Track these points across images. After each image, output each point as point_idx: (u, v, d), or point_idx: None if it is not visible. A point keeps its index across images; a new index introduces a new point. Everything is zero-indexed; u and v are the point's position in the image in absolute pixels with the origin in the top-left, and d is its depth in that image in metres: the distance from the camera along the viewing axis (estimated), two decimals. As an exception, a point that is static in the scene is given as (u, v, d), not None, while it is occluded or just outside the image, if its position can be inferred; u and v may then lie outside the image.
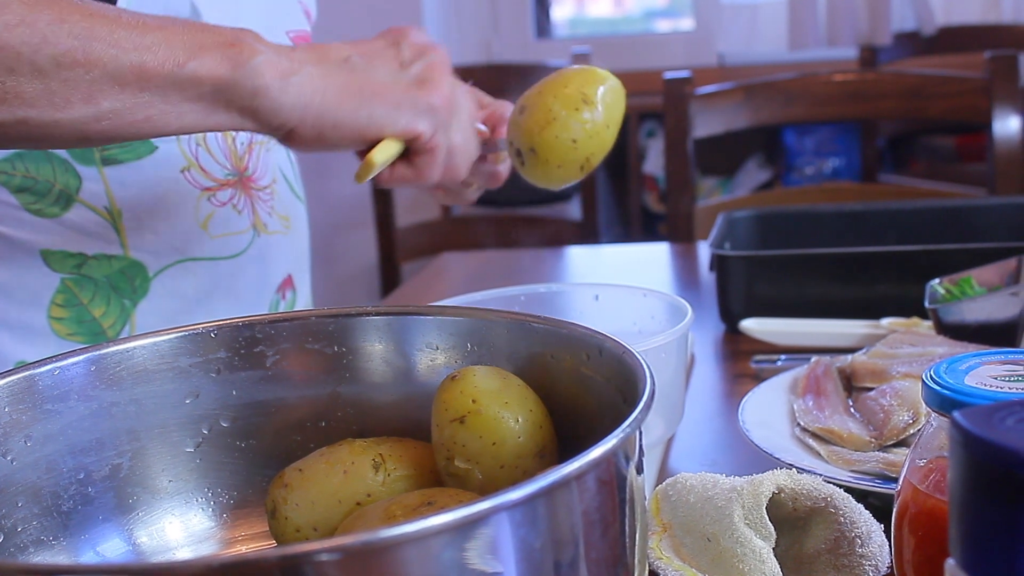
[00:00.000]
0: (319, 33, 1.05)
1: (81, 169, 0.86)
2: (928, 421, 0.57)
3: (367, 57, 0.78)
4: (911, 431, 0.78)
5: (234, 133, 0.95)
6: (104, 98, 0.67)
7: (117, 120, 0.68)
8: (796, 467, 0.64)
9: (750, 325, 1.12)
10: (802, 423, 0.83)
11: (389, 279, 2.59)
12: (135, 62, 0.67)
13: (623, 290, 0.91)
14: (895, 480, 0.67)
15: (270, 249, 1.00)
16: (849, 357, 0.94)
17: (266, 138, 1.00)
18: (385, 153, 0.78)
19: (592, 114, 0.86)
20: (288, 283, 1.04)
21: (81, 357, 0.60)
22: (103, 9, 0.68)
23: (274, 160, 1.02)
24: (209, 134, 0.93)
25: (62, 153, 0.86)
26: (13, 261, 0.87)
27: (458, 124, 0.84)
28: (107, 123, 0.68)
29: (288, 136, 0.75)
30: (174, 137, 0.90)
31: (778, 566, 0.58)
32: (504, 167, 0.98)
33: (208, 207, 0.93)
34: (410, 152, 0.81)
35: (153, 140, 0.88)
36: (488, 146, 0.93)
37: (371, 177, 0.80)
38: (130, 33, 0.67)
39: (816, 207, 1.45)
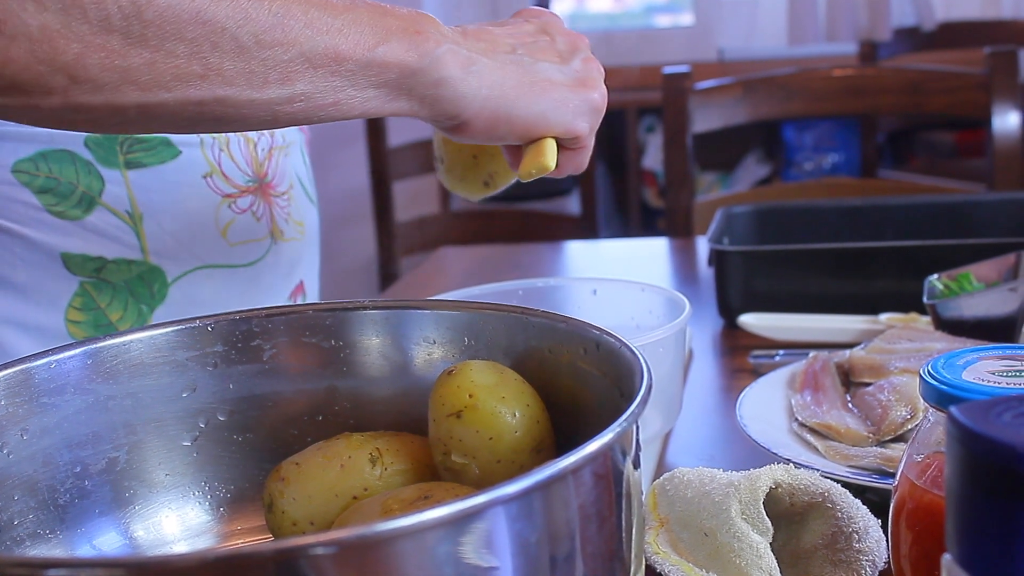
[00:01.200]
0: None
1: (104, 172, 0.86)
2: (926, 416, 0.57)
3: (529, 49, 0.79)
4: (909, 426, 0.78)
5: (256, 139, 0.95)
6: (299, 79, 0.66)
7: (308, 103, 0.67)
8: (794, 462, 0.64)
9: (748, 320, 1.12)
10: (800, 418, 0.83)
11: (388, 273, 2.59)
12: (329, 44, 0.66)
13: (621, 285, 0.91)
14: (892, 475, 0.67)
15: (286, 256, 1.00)
16: (847, 352, 0.94)
17: (285, 143, 1.00)
18: (554, 155, 0.78)
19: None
20: (300, 289, 1.04)
21: (78, 350, 0.60)
22: None
23: (291, 165, 1.02)
24: (232, 140, 0.93)
25: (86, 154, 0.85)
26: (33, 263, 0.87)
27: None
28: (299, 105, 0.67)
29: (459, 127, 0.74)
30: (197, 142, 0.90)
31: (775, 561, 0.58)
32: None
33: (228, 214, 0.93)
34: (559, 146, 0.81)
35: (177, 145, 0.89)
36: None
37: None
38: (322, 14, 0.66)
39: (815, 202, 1.45)
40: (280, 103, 0.66)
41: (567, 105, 0.78)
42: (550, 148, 0.78)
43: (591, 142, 0.82)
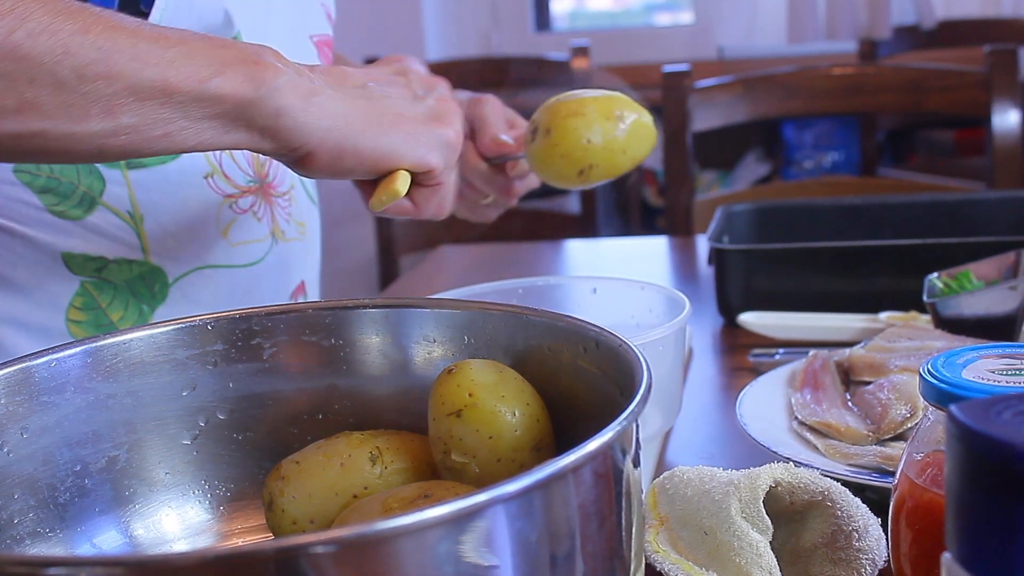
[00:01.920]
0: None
1: (105, 172, 0.86)
2: (925, 415, 0.57)
3: (381, 86, 0.78)
4: (909, 425, 0.78)
5: None
6: (124, 112, 0.65)
7: (135, 136, 0.67)
8: (793, 461, 0.64)
9: (748, 319, 1.12)
10: (800, 417, 0.83)
11: (388, 272, 2.59)
12: (157, 77, 0.65)
13: (621, 283, 0.91)
14: (892, 474, 0.67)
15: (287, 257, 1.00)
16: (847, 351, 0.94)
17: None
18: (405, 184, 0.77)
19: (617, 130, 0.89)
20: (300, 289, 1.04)
21: (78, 349, 0.60)
22: (125, 21, 0.66)
23: None
24: None
25: None
26: (34, 263, 0.87)
27: (456, 163, 0.84)
28: (125, 138, 0.66)
29: (303, 160, 0.73)
30: None
31: (775, 559, 0.58)
32: (520, 183, 0.99)
33: (229, 214, 0.93)
34: (413, 184, 0.80)
35: None
36: (508, 155, 0.94)
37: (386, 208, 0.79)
38: (152, 47, 0.65)
39: (815, 201, 1.45)
40: (104, 136, 0.66)
41: (418, 139, 0.77)
42: (402, 177, 0.77)
43: (449, 179, 0.82)
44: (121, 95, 0.65)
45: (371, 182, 0.79)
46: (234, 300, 0.94)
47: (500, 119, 0.98)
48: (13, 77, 0.62)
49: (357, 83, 0.77)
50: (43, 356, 0.59)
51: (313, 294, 1.08)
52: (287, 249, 1.00)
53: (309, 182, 1.06)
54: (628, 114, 0.91)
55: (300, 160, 0.74)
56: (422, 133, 0.78)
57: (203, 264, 0.92)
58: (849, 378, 0.91)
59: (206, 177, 0.91)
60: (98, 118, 0.65)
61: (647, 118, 0.92)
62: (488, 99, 0.99)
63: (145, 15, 0.80)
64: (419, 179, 0.79)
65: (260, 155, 0.96)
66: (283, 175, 0.99)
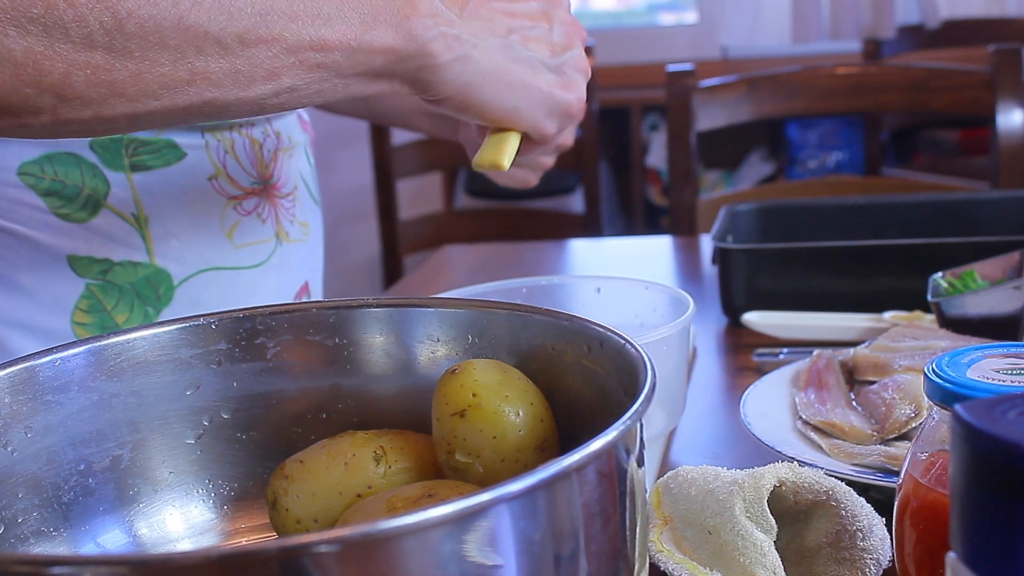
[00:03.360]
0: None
1: (109, 174, 0.86)
2: (930, 414, 0.57)
3: (525, 36, 0.78)
4: (913, 424, 0.78)
5: (261, 141, 0.96)
6: (285, 74, 0.65)
7: (293, 95, 0.67)
8: (798, 460, 0.64)
9: (752, 318, 1.12)
10: (804, 416, 0.83)
11: (392, 271, 2.59)
12: (314, 37, 0.65)
13: (625, 283, 0.91)
14: (897, 474, 0.67)
15: (290, 258, 1.00)
16: (851, 350, 0.94)
17: (290, 145, 1.00)
18: (512, 153, 0.79)
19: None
20: (304, 290, 1.04)
21: (81, 348, 0.60)
22: None
23: (296, 167, 1.02)
24: (237, 143, 0.93)
25: (91, 157, 0.85)
26: (39, 266, 0.86)
27: (575, 125, 0.85)
28: (285, 97, 0.67)
29: (433, 102, 0.75)
30: (203, 145, 0.90)
31: (779, 559, 0.58)
32: (549, 158, 0.99)
33: (234, 216, 0.93)
34: (523, 138, 0.81)
35: (182, 148, 0.89)
36: None
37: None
38: (308, 3, 0.65)
39: (819, 200, 1.45)
40: (267, 98, 0.66)
41: (541, 104, 0.78)
42: (510, 146, 0.78)
43: (554, 142, 0.83)
44: (281, 57, 0.65)
45: (482, 129, 0.81)
46: (239, 302, 0.94)
47: None
48: (183, 49, 0.61)
49: (502, 31, 0.77)
50: (47, 355, 0.59)
51: (317, 294, 1.08)
52: (291, 250, 1.00)
53: (312, 183, 1.06)
54: None
55: (432, 101, 0.75)
56: (546, 98, 0.78)
57: (208, 266, 0.92)
58: (853, 378, 0.91)
59: (210, 179, 0.91)
60: (262, 82, 0.65)
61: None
62: None
63: None
64: (531, 136, 0.81)
65: (264, 156, 0.96)
66: (287, 176, 0.99)
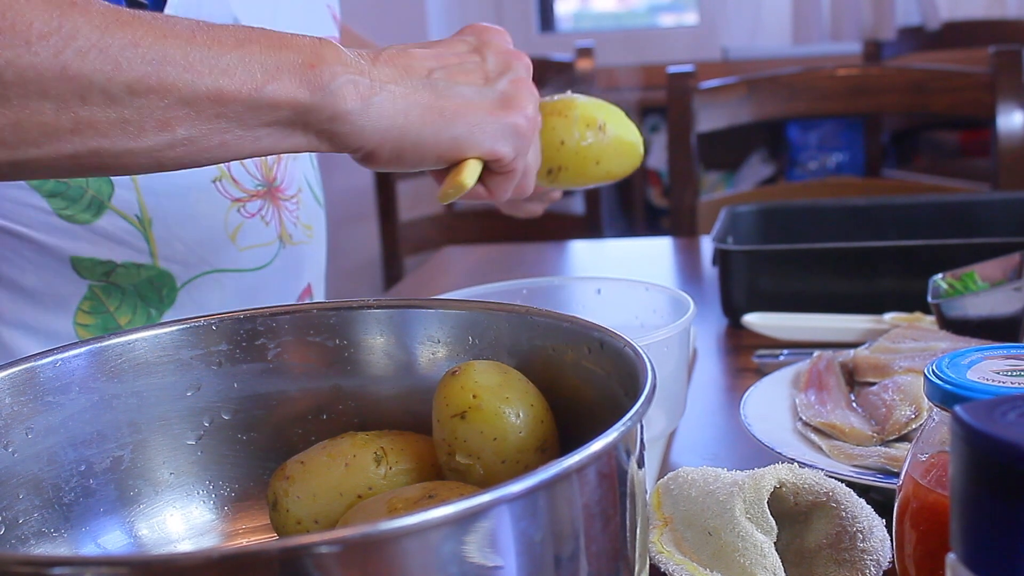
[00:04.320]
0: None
1: (113, 176, 0.86)
2: (930, 416, 0.57)
3: (450, 71, 0.76)
4: (913, 426, 0.78)
5: None
6: (179, 125, 0.64)
7: (192, 147, 0.65)
8: (798, 461, 0.64)
9: (752, 319, 1.12)
10: (804, 417, 0.83)
11: (392, 273, 2.59)
12: (211, 87, 0.64)
13: (625, 284, 0.91)
14: (897, 475, 0.67)
15: (294, 260, 1.00)
16: (851, 352, 0.94)
17: None
18: (473, 176, 0.76)
19: (594, 139, 0.88)
20: (307, 292, 1.04)
21: (82, 349, 0.60)
22: (178, 27, 0.64)
23: (300, 169, 1.02)
24: None
25: None
26: (42, 267, 0.86)
27: (534, 143, 0.82)
28: (182, 150, 0.65)
29: (365, 157, 0.72)
30: None
31: (779, 560, 0.58)
32: (557, 192, 0.98)
33: (237, 218, 0.93)
34: (485, 171, 0.79)
35: None
36: None
37: (456, 199, 0.78)
38: (205, 54, 0.64)
39: (819, 202, 1.45)
40: (160, 149, 0.65)
41: (484, 129, 0.75)
42: (469, 169, 0.76)
43: (521, 165, 0.79)
44: (175, 108, 0.63)
45: (442, 171, 0.77)
46: (242, 304, 0.94)
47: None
48: (65, 98, 0.61)
49: (422, 72, 0.74)
50: (48, 356, 0.59)
51: (319, 296, 1.08)
52: (295, 252, 1.00)
53: (316, 185, 1.06)
54: (612, 128, 0.89)
55: (362, 159, 0.73)
56: (489, 122, 0.75)
57: (211, 268, 0.92)
58: (853, 379, 0.91)
59: (214, 181, 0.91)
60: (153, 133, 0.64)
61: (633, 136, 0.90)
62: None
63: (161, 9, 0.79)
64: (490, 166, 0.78)
65: (268, 159, 0.96)
66: (291, 178, 0.99)
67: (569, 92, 0.91)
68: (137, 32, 0.62)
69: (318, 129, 0.69)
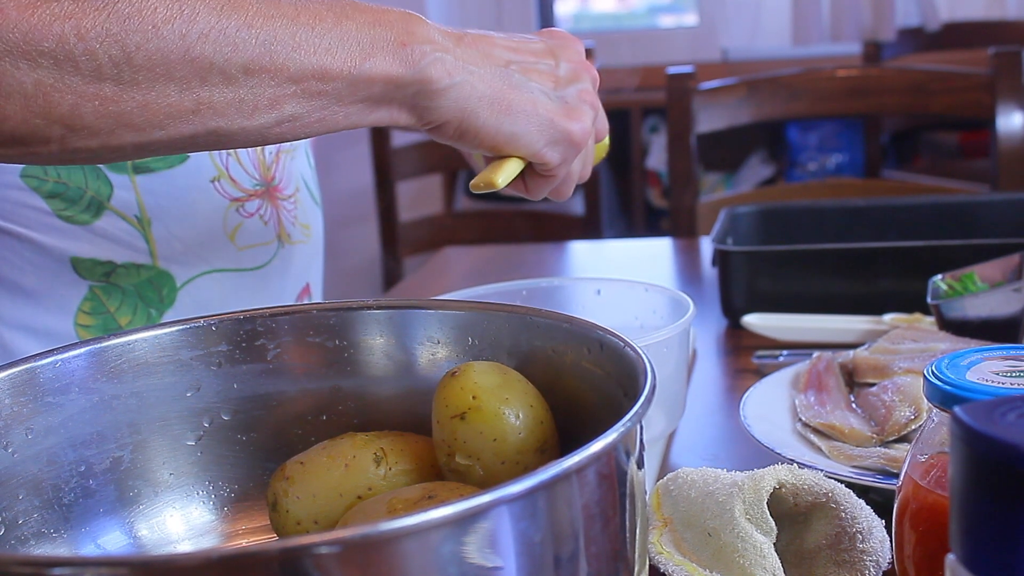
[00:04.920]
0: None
1: (112, 176, 0.86)
2: (930, 417, 0.57)
3: (526, 68, 0.78)
4: (913, 427, 0.78)
5: None
6: (287, 103, 0.66)
7: (296, 123, 0.68)
8: (797, 462, 0.64)
9: (752, 320, 1.12)
10: (803, 418, 0.83)
11: (391, 273, 2.59)
12: (316, 65, 0.66)
13: (625, 285, 0.91)
14: (896, 476, 0.67)
15: (292, 259, 1.00)
16: (851, 353, 0.94)
17: (291, 146, 1.00)
18: (509, 176, 0.78)
19: None
20: (306, 291, 1.04)
21: (82, 350, 0.60)
22: (282, 6, 0.67)
23: (297, 168, 1.02)
24: None
25: None
26: (42, 268, 0.87)
27: (584, 154, 0.84)
28: (287, 126, 0.68)
29: (434, 130, 0.75)
30: None
31: (779, 561, 0.58)
32: (567, 187, 0.97)
33: (236, 218, 0.93)
34: (528, 169, 0.80)
35: None
36: None
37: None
38: (310, 34, 0.66)
39: (819, 203, 1.45)
40: (269, 127, 0.67)
41: (541, 131, 0.77)
42: (508, 167, 0.77)
43: (563, 172, 0.81)
44: (284, 86, 0.66)
45: (487, 159, 0.79)
46: (241, 304, 0.94)
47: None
48: (188, 80, 0.63)
49: (501, 61, 0.76)
50: (48, 357, 0.59)
51: (318, 296, 1.08)
52: (293, 252, 1.00)
53: (313, 184, 1.06)
54: None
55: (431, 130, 0.75)
56: (547, 126, 0.77)
57: (210, 268, 0.92)
58: (853, 380, 0.91)
59: (213, 181, 0.91)
60: (265, 111, 0.66)
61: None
62: None
63: None
64: (535, 167, 0.80)
65: (266, 158, 0.96)
66: (288, 178, 0.99)
67: None
68: (249, 13, 0.64)
69: (403, 103, 0.71)
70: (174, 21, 0.61)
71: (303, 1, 0.68)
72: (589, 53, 2.61)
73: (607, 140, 0.92)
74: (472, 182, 0.78)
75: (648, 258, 1.66)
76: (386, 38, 0.69)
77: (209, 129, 0.65)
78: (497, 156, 0.78)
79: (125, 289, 0.89)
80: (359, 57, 0.68)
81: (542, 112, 0.77)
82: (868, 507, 0.62)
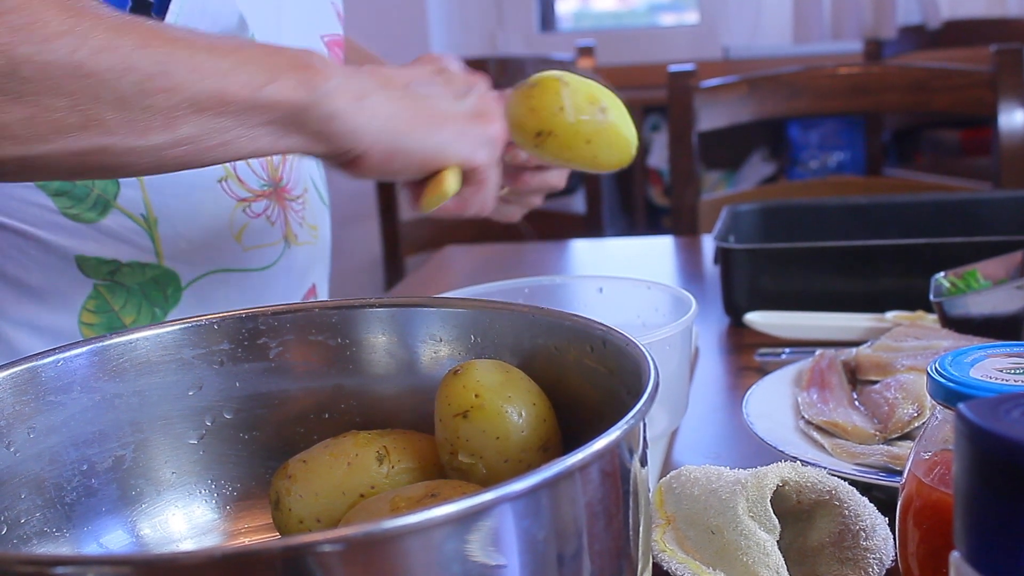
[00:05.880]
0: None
1: (113, 179, 0.86)
2: (933, 414, 0.57)
3: (423, 86, 0.79)
4: (916, 424, 0.78)
5: None
6: (183, 124, 0.66)
7: (194, 146, 0.68)
8: (800, 460, 0.64)
9: (754, 318, 1.12)
10: (806, 416, 0.83)
11: (393, 272, 2.59)
12: (215, 87, 0.66)
13: (627, 283, 0.91)
14: (900, 473, 0.67)
15: (299, 260, 1.00)
16: (854, 350, 0.94)
17: None
18: (454, 184, 0.78)
19: (590, 116, 0.84)
20: (312, 292, 1.04)
21: (84, 348, 0.60)
22: (179, 33, 0.67)
23: (306, 169, 1.02)
24: None
25: None
26: (48, 266, 0.87)
27: (498, 160, 0.84)
28: (185, 148, 0.67)
29: (354, 161, 0.74)
30: None
31: (782, 559, 0.58)
32: (531, 175, 0.94)
33: (243, 218, 0.93)
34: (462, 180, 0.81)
35: None
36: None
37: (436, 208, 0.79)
38: (208, 57, 0.66)
39: (820, 200, 1.45)
40: (164, 148, 0.67)
41: (464, 137, 0.77)
42: (450, 177, 0.77)
43: (491, 175, 0.81)
44: (181, 107, 0.65)
45: (418, 182, 0.79)
46: (247, 304, 0.94)
47: None
48: (77, 95, 0.62)
49: (400, 84, 0.77)
50: (50, 356, 0.59)
51: (323, 296, 1.08)
52: (300, 252, 1.00)
53: (322, 185, 1.06)
54: (613, 114, 0.86)
55: (352, 162, 0.74)
56: (467, 131, 0.78)
57: (216, 268, 0.92)
58: (856, 377, 0.91)
59: (220, 181, 0.91)
60: (159, 131, 0.66)
61: (629, 132, 0.87)
62: None
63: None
64: (464, 177, 0.80)
65: (274, 159, 0.96)
66: (297, 178, 0.99)
67: (583, 74, 0.90)
68: (145, 35, 0.65)
69: (314, 130, 0.71)
70: (66, 36, 0.61)
71: (202, 33, 0.69)
72: (589, 52, 2.61)
73: (634, 138, 0.89)
74: (421, 203, 0.78)
75: (650, 256, 1.66)
76: (288, 64, 0.69)
77: (97, 146, 0.64)
78: (427, 177, 0.78)
79: (130, 288, 0.89)
80: (259, 82, 0.68)
81: (458, 117, 0.78)
82: (871, 505, 0.62)
